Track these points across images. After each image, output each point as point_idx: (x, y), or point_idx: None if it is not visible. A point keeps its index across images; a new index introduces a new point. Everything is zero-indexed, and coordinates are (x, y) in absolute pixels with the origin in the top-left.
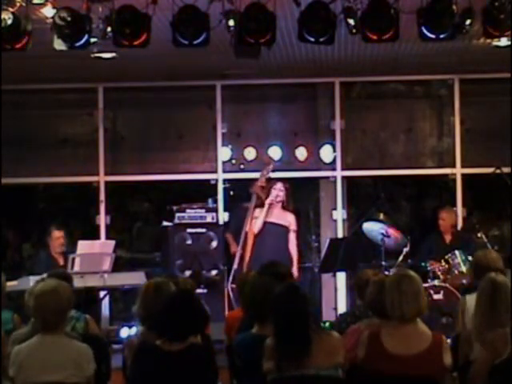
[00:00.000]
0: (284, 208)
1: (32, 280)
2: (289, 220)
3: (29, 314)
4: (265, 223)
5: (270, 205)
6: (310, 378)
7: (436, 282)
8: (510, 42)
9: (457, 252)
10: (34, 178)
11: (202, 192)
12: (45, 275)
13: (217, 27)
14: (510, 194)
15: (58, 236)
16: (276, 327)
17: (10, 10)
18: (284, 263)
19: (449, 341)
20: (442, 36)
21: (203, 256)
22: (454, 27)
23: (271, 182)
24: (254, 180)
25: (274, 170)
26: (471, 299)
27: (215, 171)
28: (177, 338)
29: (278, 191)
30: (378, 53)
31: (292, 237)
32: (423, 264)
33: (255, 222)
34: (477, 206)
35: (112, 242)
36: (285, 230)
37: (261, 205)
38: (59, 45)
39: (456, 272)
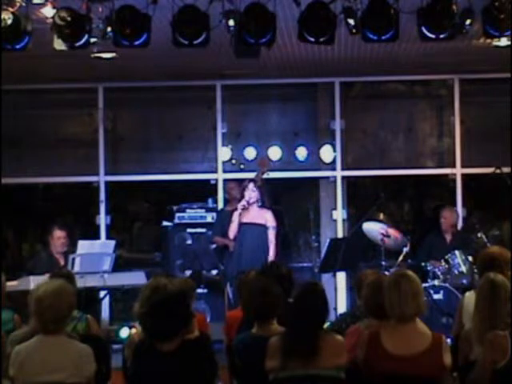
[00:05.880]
0: (260, 206)
1: (32, 280)
2: (265, 217)
3: (30, 314)
4: (242, 224)
5: (243, 208)
6: (311, 377)
7: (436, 282)
8: (510, 42)
9: (457, 252)
10: (34, 178)
11: (202, 192)
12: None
13: (217, 27)
14: (510, 193)
15: (59, 236)
16: (290, 325)
17: (10, 9)
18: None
19: (448, 341)
20: (441, 36)
21: (203, 256)
22: (454, 27)
23: (243, 183)
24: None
25: (271, 170)
26: (469, 296)
27: (215, 171)
28: (162, 337)
29: (251, 192)
30: (377, 53)
31: (270, 234)
32: (423, 264)
33: (231, 226)
34: (477, 205)
35: (112, 242)
36: (263, 228)
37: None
38: (59, 45)
39: (456, 272)
